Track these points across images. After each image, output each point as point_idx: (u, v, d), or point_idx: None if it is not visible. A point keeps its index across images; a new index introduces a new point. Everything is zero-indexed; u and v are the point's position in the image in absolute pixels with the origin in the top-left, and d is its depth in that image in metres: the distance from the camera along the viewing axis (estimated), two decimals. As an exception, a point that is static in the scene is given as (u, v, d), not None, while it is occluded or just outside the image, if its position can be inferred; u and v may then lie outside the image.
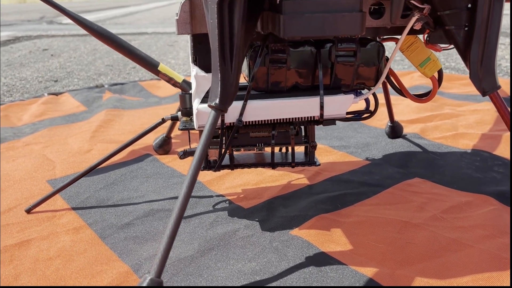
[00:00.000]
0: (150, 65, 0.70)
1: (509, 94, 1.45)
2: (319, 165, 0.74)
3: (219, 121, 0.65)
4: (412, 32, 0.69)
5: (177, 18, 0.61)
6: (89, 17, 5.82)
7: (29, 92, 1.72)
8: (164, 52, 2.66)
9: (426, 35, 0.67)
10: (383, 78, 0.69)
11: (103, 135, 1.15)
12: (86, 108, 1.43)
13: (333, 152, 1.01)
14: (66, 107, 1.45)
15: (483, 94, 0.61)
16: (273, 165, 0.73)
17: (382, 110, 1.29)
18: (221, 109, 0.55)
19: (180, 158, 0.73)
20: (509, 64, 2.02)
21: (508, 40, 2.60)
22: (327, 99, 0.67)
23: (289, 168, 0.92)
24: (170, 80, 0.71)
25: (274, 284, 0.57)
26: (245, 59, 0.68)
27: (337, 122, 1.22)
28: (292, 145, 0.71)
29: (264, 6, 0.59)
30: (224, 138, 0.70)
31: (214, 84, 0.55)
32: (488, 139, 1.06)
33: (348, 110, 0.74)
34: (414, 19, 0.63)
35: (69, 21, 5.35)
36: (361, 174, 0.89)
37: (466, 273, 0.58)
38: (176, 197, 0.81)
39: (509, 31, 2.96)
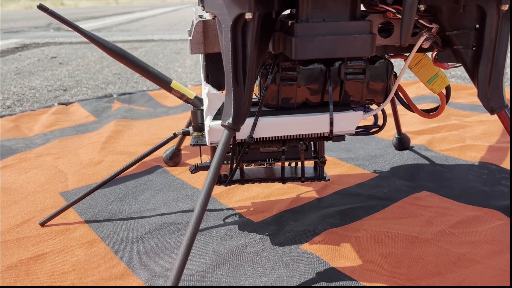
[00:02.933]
0: (163, 82, 0.71)
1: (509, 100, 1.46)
2: (329, 180, 0.75)
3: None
4: (421, 50, 0.70)
5: (191, 38, 0.63)
6: (96, 23, 5.87)
7: (39, 102, 1.74)
8: (171, 60, 2.68)
9: (434, 54, 0.68)
10: (391, 95, 0.70)
11: (113, 146, 1.17)
12: (95, 118, 1.45)
13: (341, 164, 1.02)
14: (76, 117, 1.47)
15: (491, 113, 0.62)
16: (283, 180, 0.74)
17: (390, 121, 1.30)
18: (234, 128, 0.56)
19: (192, 172, 0.75)
20: (509, 71, 2.02)
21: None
22: (337, 116, 0.68)
23: (298, 182, 0.93)
24: (182, 97, 0.72)
25: (285, 300, 0.58)
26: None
27: (344, 133, 1.23)
28: (301, 160, 0.72)
29: (275, 27, 0.60)
30: (235, 153, 0.71)
31: (227, 104, 0.56)
32: (495, 151, 1.06)
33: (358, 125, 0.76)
34: (422, 38, 0.64)
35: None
36: (369, 187, 0.90)
37: (475, 290, 0.59)
38: (187, 211, 0.82)
39: None
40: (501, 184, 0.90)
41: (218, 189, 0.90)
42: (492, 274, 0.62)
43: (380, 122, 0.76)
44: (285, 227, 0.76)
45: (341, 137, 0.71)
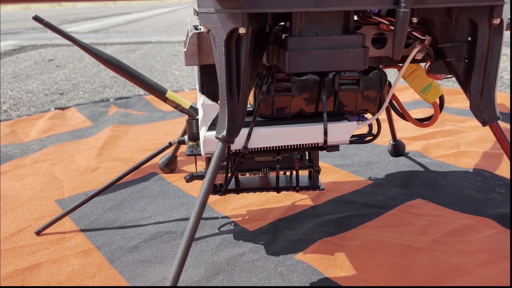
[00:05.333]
0: (158, 92, 0.72)
1: (509, 108, 1.46)
2: (323, 189, 0.75)
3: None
4: (414, 61, 0.71)
5: (185, 50, 0.63)
6: (93, 24, 5.86)
7: (35, 106, 1.74)
8: (168, 63, 2.68)
9: (427, 65, 0.68)
10: (385, 105, 0.71)
11: (109, 152, 1.17)
12: (92, 123, 1.45)
13: (336, 171, 1.02)
14: (72, 122, 1.47)
15: (483, 125, 0.62)
16: (278, 189, 0.74)
17: (385, 126, 1.30)
18: (228, 141, 0.57)
19: (187, 181, 0.75)
20: (509, 77, 2.03)
21: (509, 50, 2.61)
22: (331, 126, 0.69)
23: (293, 191, 0.94)
24: (177, 107, 0.72)
25: (279, 311, 0.58)
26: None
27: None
28: (296, 170, 0.73)
29: (269, 40, 0.61)
30: (230, 162, 0.71)
31: (221, 117, 0.57)
32: (490, 157, 1.07)
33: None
34: (415, 50, 0.65)
35: (72, 29, 5.39)
36: (364, 195, 0.90)
37: (467, 300, 0.59)
38: (182, 219, 0.82)
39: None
40: (495, 192, 0.90)
41: (213, 197, 0.90)
42: (484, 284, 0.62)
43: (374, 131, 0.77)
44: (280, 236, 0.76)
45: (335, 147, 0.71)
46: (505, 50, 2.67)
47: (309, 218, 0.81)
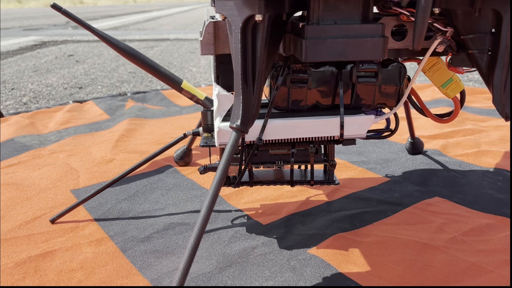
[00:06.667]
0: (174, 82, 0.71)
1: None
2: (338, 184, 0.74)
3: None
4: (435, 54, 0.69)
5: (201, 39, 0.63)
6: (113, 22, 5.92)
7: (54, 99, 1.76)
8: (186, 60, 2.69)
9: (448, 58, 0.66)
10: (404, 98, 0.69)
11: (125, 145, 1.17)
12: (109, 117, 1.46)
13: (352, 167, 1.01)
14: (90, 115, 1.49)
15: (506, 119, 0.60)
16: (292, 183, 0.73)
17: (403, 124, 1.28)
18: (242, 130, 0.56)
19: (201, 173, 0.75)
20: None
21: None
22: (348, 119, 0.67)
23: (308, 185, 0.93)
24: (192, 97, 0.72)
25: (291, 304, 0.57)
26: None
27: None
28: (311, 164, 0.72)
29: (286, 29, 0.60)
30: (244, 155, 0.70)
31: (236, 106, 0.56)
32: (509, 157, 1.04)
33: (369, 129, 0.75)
34: (436, 42, 0.63)
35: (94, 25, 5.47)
36: (380, 192, 0.89)
37: (486, 300, 0.58)
38: (195, 211, 0.82)
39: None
40: (516, 192, 0.88)
41: (227, 190, 0.90)
42: (503, 284, 0.60)
43: (392, 126, 0.75)
44: (293, 230, 0.75)
45: (351, 141, 0.70)
46: None
47: (323, 213, 0.80)
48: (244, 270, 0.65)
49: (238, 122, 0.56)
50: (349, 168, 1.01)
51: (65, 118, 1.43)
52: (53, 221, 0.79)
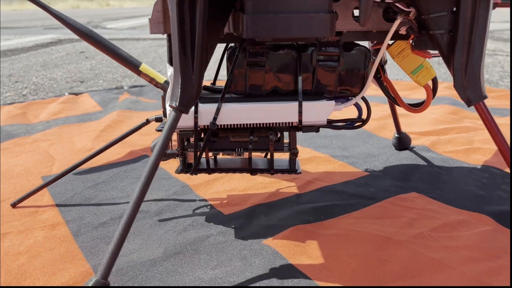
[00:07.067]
0: (132, 65, 0.70)
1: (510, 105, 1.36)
2: (300, 173, 0.71)
3: (192, 125, 0.64)
4: (400, 37, 0.65)
5: (150, 17, 0.61)
6: (133, 22, 5.99)
7: (54, 92, 1.77)
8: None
9: (411, 40, 0.63)
10: (368, 84, 0.66)
11: (108, 135, 1.16)
12: (101, 109, 1.46)
13: (333, 161, 0.97)
14: (83, 107, 1.49)
15: (468, 104, 0.56)
16: (251, 171, 0.70)
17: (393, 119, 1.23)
18: (181, 110, 0.54)
19: (162, 160, 0.73)
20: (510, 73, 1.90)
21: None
22: (306, 105, 0.64)
23: (281, 176, 0.90)
24: (151, 81, 0.70)
25: (229, 294, 0.55)
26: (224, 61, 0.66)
27: (344, 132, 1.18)
28: (271, 151, 0.69)
29: (235, 6, 0.57)
30: (203, 142, 0.68)
31: (175, 85, 0.54)
32: (503, 155, 0.99)
33: (340, 118, 0.72)
34: (397, 22, 0.59)
35: (112, 25, 5.51)
36: (356, 186, 0.85)
37: (439, 297, 0.54)
38: (159, 200, 0.80)
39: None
40: (501, 189, 0.83)
41: (197, 180, 0.87)
42: (462, 282, 0.56)
43: (365, 116, 0.71)
44: (254, 221, 0.72)
45: (312, 128, 0.67)
46: (506, 47, 2.51)
47: (290, 205, 0.77)
48: (191, 258, 0.62)
49: (177, 102, 0.54)
50: (329, 162, 0.97)
51: (58, 109, 1.44)
52: (14, 205, 0.78)
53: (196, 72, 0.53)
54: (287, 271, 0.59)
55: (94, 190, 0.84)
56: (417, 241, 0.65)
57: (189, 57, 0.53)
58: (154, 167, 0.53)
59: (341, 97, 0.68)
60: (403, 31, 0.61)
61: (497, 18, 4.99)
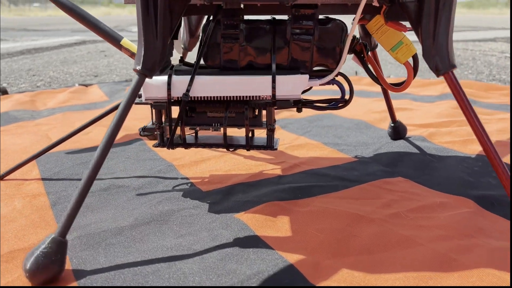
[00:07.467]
0: (113, 39, 0.71)
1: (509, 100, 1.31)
2: (276, 149, 0.70)
3: (165, 96, 0.64)
4: (375, 10, 0.64)
5: (124, -13, 0.62)
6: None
7: (66, 84, 1.82)
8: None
9: (383, 12, 0.62)
10: (343, 59, 0.65)
11: (106, 121, 1.18)
12: (108, 98, 1.49)
13: (324, 148, 0.96)
14: (90, 97, 1.52)
15: (437, 74, 0.55)
16: (226, 146, 0.70)
17: (399, 113, 1.21)
18: (144, 74, 0.54)
19: (140, 134, 0.73)
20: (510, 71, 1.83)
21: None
22: (280, 78, 0.64)
23: (267, 158, 0.89)
24: (132, 55, 0.71)
25: (187, 260, 0.54)
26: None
27: (342, 122, 1.17)
28: (246, 127, 0.68)
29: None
30: (180, 117, 0.68)
31: (139, 48, 0.54)
32: (502, 146, 0.96)
33: (322, 99, 0.71)
34: (369, -8, 0.59)
35: (136, 29, 5.61)
36: (341, 170, 0.84)
37: (400, 270, 0.52)
38: (140, 176, 0.81)
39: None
40: (491, 177, 0.80)
41: (183, 160, 0.88)
42: (429, 257, 0.54)
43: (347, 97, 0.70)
44: (231, 198, 0.72)
45: (286, 102, 0.66)
46: (505, 47, 2.43)
47: (271, 185, 0.77)
48: (159, 228, 0.62)
49: (140, 65, 0.54)
50: (320, 149, 0.96)
51: (66, 98, 1.47)
52: (2, 177, 0.80)
53: (160, 37, 0.54)
54: (251, 241, 0.58)
55: (81, 167, 0.86)
56: (391, 220, 0.64)
57: (152, 21, 0.53)
58: (115, 130, 0.53)
59: (322, 76, 0.67)
60: (375, 2, 0.60)
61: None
